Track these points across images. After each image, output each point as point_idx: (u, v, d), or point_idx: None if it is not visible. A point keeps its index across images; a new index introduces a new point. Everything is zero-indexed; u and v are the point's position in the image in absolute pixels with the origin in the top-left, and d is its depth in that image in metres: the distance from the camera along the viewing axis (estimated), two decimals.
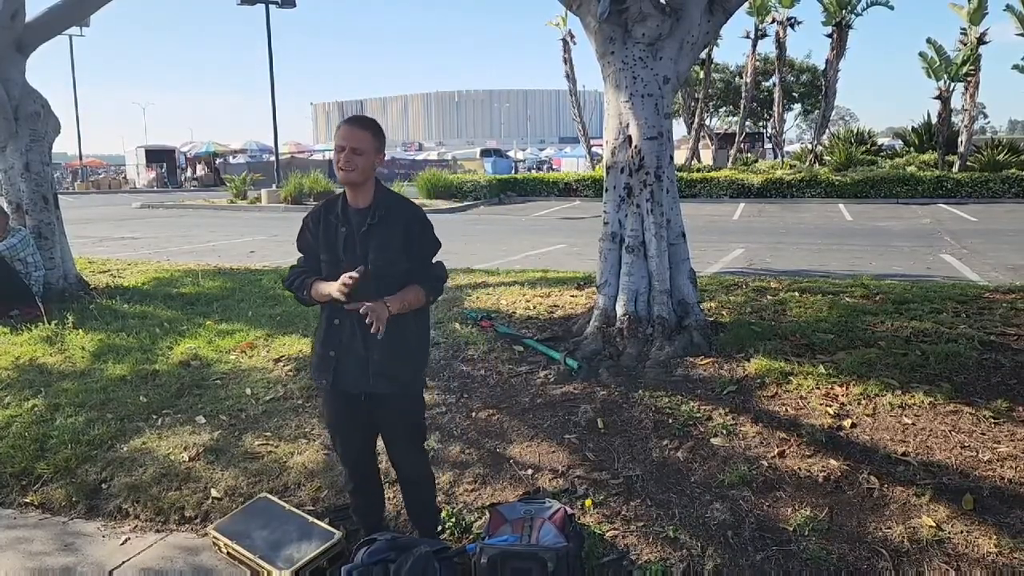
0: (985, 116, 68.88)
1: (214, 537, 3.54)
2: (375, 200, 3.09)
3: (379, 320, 2.87)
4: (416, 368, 3.26)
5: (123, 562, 3.52)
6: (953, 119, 27.33)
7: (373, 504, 3.51)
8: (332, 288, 2.93)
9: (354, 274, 2.86)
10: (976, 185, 22.93)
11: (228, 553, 3.48)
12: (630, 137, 5.65)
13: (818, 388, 4.62)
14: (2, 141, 8.13)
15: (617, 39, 5.65)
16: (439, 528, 3.52)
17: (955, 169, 25.17)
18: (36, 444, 4.53)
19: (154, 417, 4.87)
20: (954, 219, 18.05)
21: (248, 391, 5.17)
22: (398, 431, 3.31)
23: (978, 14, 24.48)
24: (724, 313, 6.46)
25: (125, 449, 4.47)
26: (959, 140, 25.88)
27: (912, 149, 32.03)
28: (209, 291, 8.52)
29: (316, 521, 3.56)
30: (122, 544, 3.68)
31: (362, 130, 2.99)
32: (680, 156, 31.34)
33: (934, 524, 3.28)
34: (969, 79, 25.19)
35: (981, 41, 24.65)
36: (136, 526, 3.84)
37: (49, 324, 6.90)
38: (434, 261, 3.23)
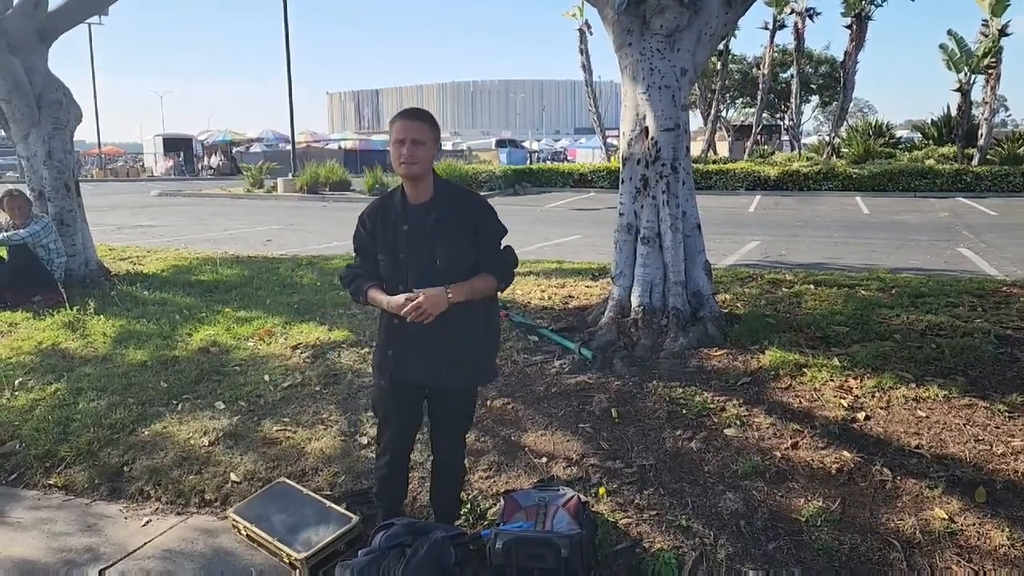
0: (1006, 109, 68.24)
1: (234, 520, 3.61)
2: (436, 193, 3.04)
3: (431, 310, 2.87)
4: (489, 358, 3.27)
5: (144, 543, 3.59)
6: (973, 112, 27.09)
7: (399, 490, 3.54)
8: (396, 306, 2.93)
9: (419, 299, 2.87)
10: (996, 179, 22.69)
11: (247, 536, 3.54)
12: (647, 128, 5.66)
13: (832, 380, 4.63)
14: (25, 129, 8.24)
15: (635, 30, 5.65)
16: (458, 518, 3.57)
17: (974, 162, 24.95)
18: (59, 427, 4.62)
19: (174, 402, 4.95)
20: (973, 213, 17.89)
21: (266, 378, 5.24)
22: (453, 421, 3.33)
23: (1000, 5, 24.20)
24: (739, 305, 6.47)
25: (146, 433, 4.54)
26: (979, 133, 25.66)
27: (931, 142, 31.79)
28: (227, 279, 8.61)
29: (333, 506, 3.62)
30: (143, 526, 3.75)
31: (420, 121, 2.94)
32: (696, 148, 31.20)
33: (946, 516, 3.29)
34: (990, 71, 24.93)
35: (1003, 33, 24.37)
36: (157, 508, 3.91)
37: (71, 310, 7.01)
38: (503, 247, 3.17)
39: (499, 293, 3.21)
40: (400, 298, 2.92)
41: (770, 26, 29.97)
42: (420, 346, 3.05)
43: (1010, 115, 71.36)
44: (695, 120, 39.13)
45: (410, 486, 3.76)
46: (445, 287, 2.91)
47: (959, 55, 25.30)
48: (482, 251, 3.06)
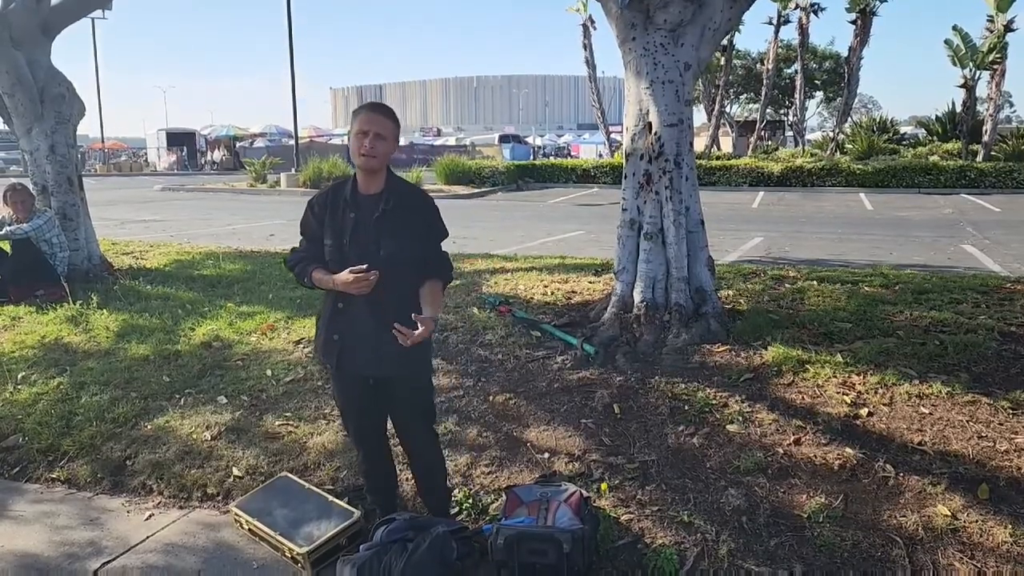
0: (1011, 105, 67.95)
1: (236, 514, 3.61)
2: (386, 186, 3.11)
3: (424, 335, 2.93)
4: (426, 351, 3.31)
5: (146, 537, 3.59)
6: (978, 108, 27.02)
7: (386, 484, 3.56)
8: (341, 283, 2.97)
9: (366, 272, 2.91)
10: (1000, 175, 22.64)
11: (249, 530, 3.54)
12: (650, 124, 5.64)
13: (835, 377, 4.62)
14: (28, 123, 8.24)
15: (638, 25, 5.63)
16: (451, 509, 3.57)
17: (979, 159, 24.90)
18: (62, 421, 4.62)
19: (177, 397, 4.95)
20: (977, 209, 17.85)
21: (268, 372, 5.24)
22: (409, 414, 3.35)
23: (1006, 1, 24.12)
24: (742, 301, 6.46)
25: (149, 427, 4.55)
26: (983, 129, 25.59)
27: (935, 138, 31.74)
28: (230, 273, 8.62)
29: (335, 500, 3.62)
30: (146, 520, 3.75)
31: (385, 117, 3.02)
32: (700, 143, 31.19)
33: (949, 513, 3.29)
34: (995, 67, 24.86)
35: (1008, 29, 24.30)
36: (160, 502, 3.91)
37: (74, 304, 7.01)
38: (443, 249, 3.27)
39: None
40: (345, 274, 2.95)
41: (774, 21, 29.90)
42: (364, 334, 3.09)
43: (1015, 111, 71.14)
44: (699, 116, 39.16)
45: (411, 482, 3.76)
46: (428, 316, 2.99)
47: (964, 51, 25.24)
48: (428, 250, 3.15)
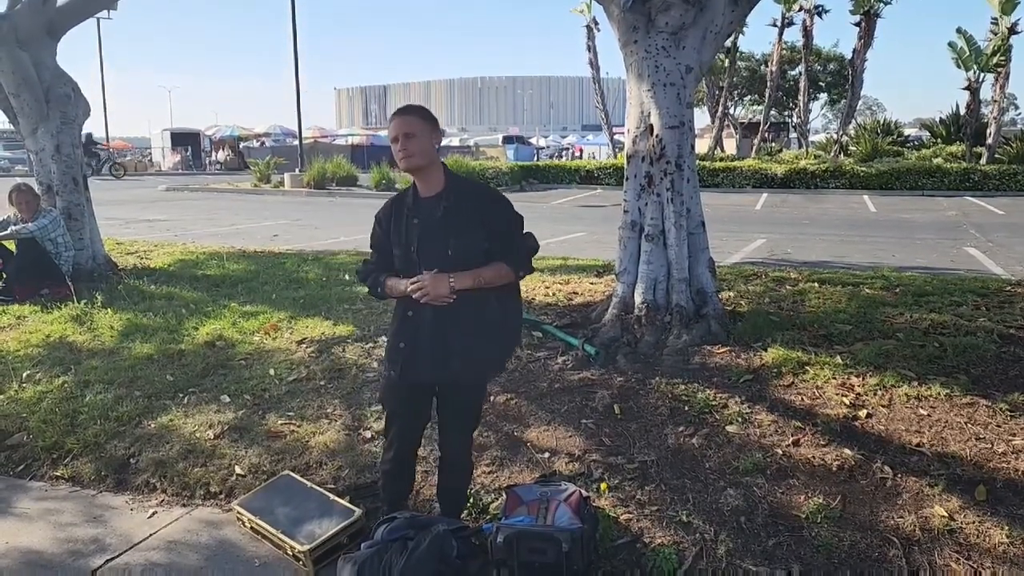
0: (1015, 107, 67.66)
1: (238, 512, 3.64)
2: (445, 186, 3.06)
3: (435, 295, 2.89)
4: (503, 351, 3.29)
5: (150, 535, 3.62)
6: (982, 110, 26.97)
7: (404, 485, 3.54)
8: (401, 290, 2.98)
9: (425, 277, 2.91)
10: (1004, 178, 22.60)
11: (251, 528, 3.57)
12: (651, 126, 5.67)
13: (834, 378, 4.64)
14: (33, 123, 8.29)
15: (640, 28, 5.65)
16: (463, 512, 3.58)
17: (983, 161, 24.86)
18: (66, 419, 4.65)
19: (180, 395, 4.98)
20: (980, 212, 17.83)
21: (271, 372, 5.27)
22: (461, 417, 3.32)
23: (1010, 4, 24.08)
24: (742, 303, 6.47)
25: (152, 426, 4.58)
26: (988, 132, 25.55)
27: (939, 141, 31.67)
28: (234, 273, 8.65)
29: (337, 499, 3.65)
30: (149, 517, 3.78)
31: (410, 115, 2.98)
32: (703, 145, 31.15)
33: (946, 514, 3.30)
34: (999, 70, 24.84)
35: (1012, 31, 24.27)
36: (163, 500, 3.94)
37: (78, 303, 7.05)
38: (524, 233, 3.15)
39: (518, 281, 3.18)
40: (406, 282, 2.97)
41: (778, 23, 29.86)
42: (432, 339, 3.04)
43: (1019, 113, 70.82)
44: (703, 117, 39.09)
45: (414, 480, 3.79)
46: (448, 273, 2.92)
47: (968, 53, 25.19)
48: (496, 242, 3.04)
